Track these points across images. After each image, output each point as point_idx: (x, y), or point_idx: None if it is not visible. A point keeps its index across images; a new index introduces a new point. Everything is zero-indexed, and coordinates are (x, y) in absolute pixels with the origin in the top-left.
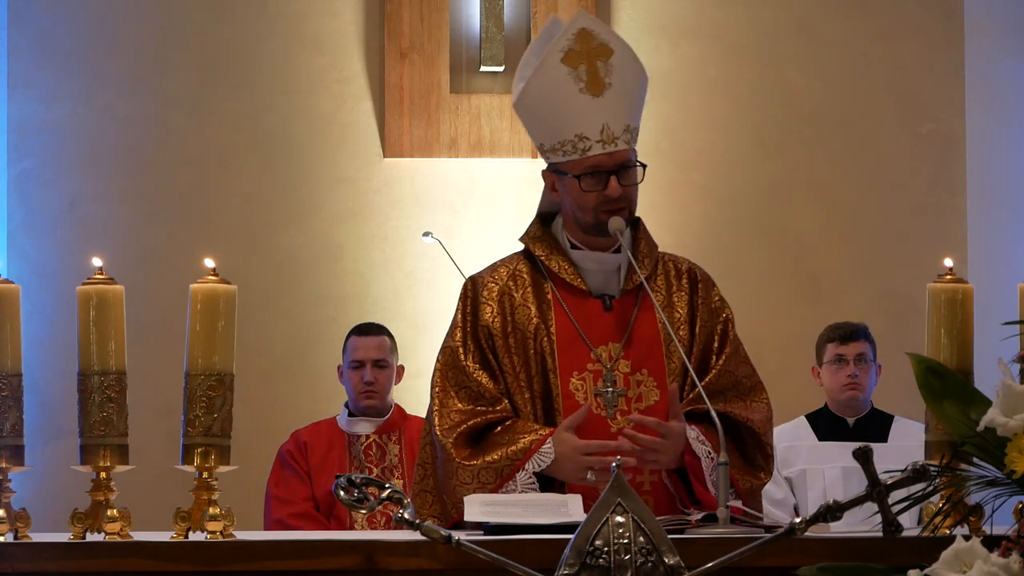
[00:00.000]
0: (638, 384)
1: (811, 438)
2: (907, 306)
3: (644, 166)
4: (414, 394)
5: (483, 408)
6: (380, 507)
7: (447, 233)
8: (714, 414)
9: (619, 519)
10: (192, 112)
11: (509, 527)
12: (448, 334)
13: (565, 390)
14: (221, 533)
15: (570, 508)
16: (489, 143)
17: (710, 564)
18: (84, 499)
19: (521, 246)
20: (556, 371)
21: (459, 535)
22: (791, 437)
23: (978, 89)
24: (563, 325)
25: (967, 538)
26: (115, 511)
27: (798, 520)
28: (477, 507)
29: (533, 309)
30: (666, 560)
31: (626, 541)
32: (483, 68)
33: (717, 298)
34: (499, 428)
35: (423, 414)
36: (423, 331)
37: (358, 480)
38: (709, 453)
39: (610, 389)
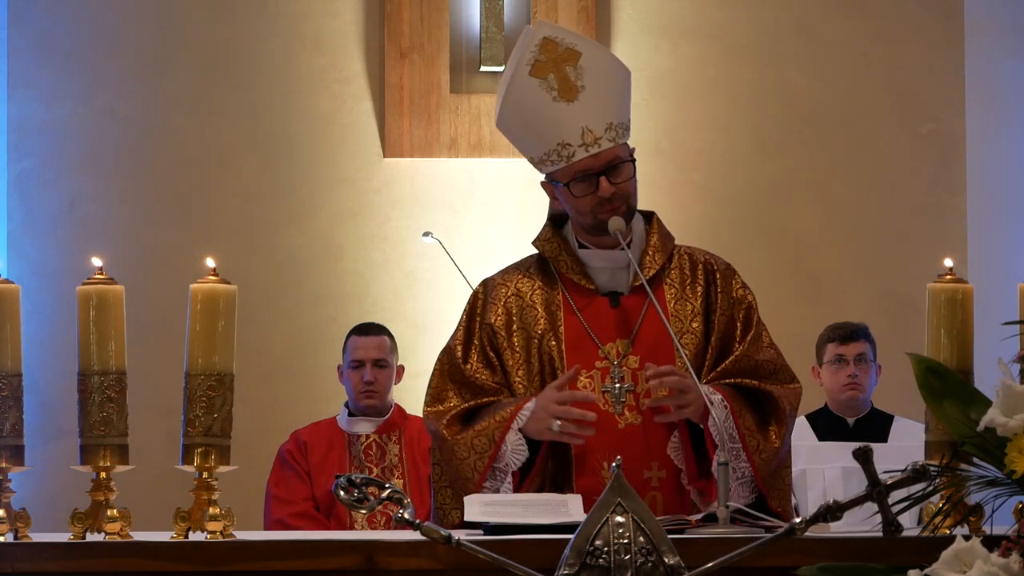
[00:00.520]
0: (646, 379)
1: (811, 438)
2: (907, 306)
3: (633, 160)
4: (414, 394)
5: (477, 399)
6: (380, 507)
7: (447, 233)
8: (714, 413)
9: (619, 519)
10: (192, 112)
11: (509, 527)
12: (452, 334)
13: (572, 388)
14: (221, 533)
15: (570, 508)
16: (489, 143)
17: (710, 564)
18: (84, 499)
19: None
20: (564, 370)
21: (459, 535)
22: (791, 437)
23: (978, 89)
24: (572, 325)
25: (967, 538)
26: (115, 511)
27: (798, 520)
28: (477, 507)
29: (541, 311)
30: (666, 560)
31: (626, 541)
32: (483, 68)
33: (739, 286)
34: (487, 407)
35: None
36: (423, 331)
37: (358, 480)
38: (722, 400)
39: (618, 385)
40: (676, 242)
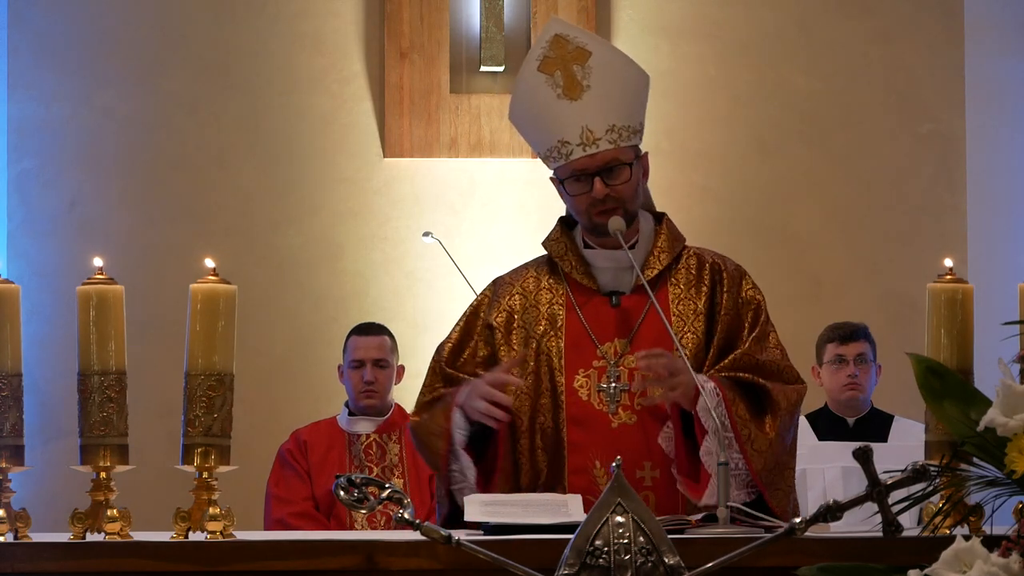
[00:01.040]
0: (643, 378)
1: (811, 438)
2: (907, 306)
3: (629, 164)
4: (414, 394)
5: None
6: (380, 507)
7: (447, 233)
8: (713, 411)
9: (619, 519)
10: (192, 112)
11: (509, 527)
12: (449, 332)
13: (569, 387)
14: (221, 533)
15: (570, 508)
16: (489, 143)
17: (710, 564)
18: (84, 499)
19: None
20: (562, 369)
21: (459, 535)
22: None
23: (978, 89)
24: (572, 324)
25: (967, 538)
26: (115, 511)
27: (798, 520)
28: (477, 507)
29: (544, 310)
30: (666, 560)
31: (626, 541)
32: (483, 68)
33: (748, 287)
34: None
35: None
36: (423, 331)
37: (358, 480)
38: (714, 389)
39: (613, 385)
40: (686, 243)
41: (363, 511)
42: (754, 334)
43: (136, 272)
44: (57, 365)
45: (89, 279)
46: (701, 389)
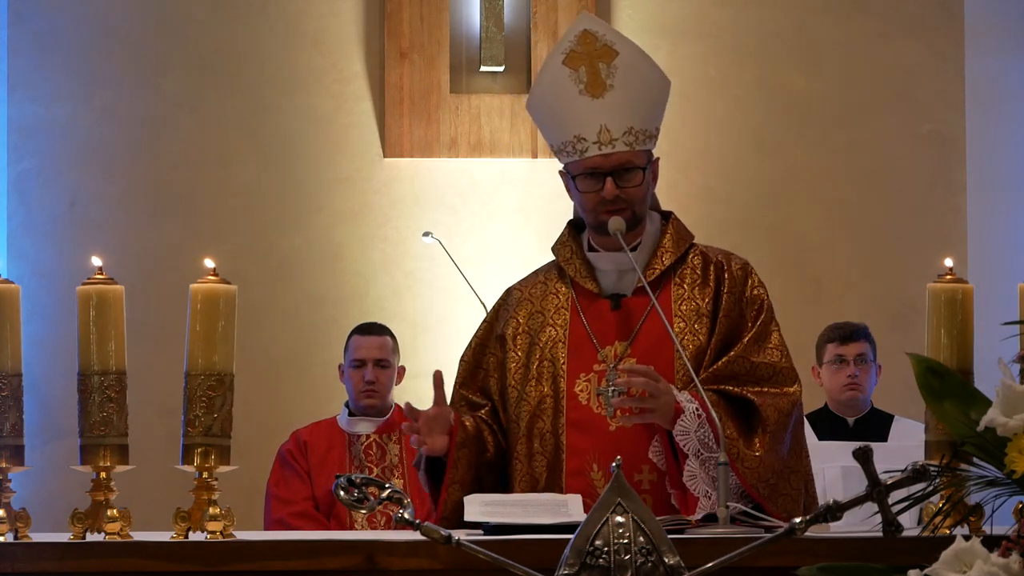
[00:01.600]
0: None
1: (811, 438)
2: (907, 306)
3: (643, 169)
4: (414, 394)
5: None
6: (380, 507)
7: (447, 233)
8: (705, 396)
9: (619, 519)
10: (192, 112)
11: (509, 527)
12: (468, 342)
13: (570, 391)
14: (221, 533)
15: (570, 508)
16: (489, 143)
17: (710, 564)
18: (84, 499)
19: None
20: (564, 375)
21: (459, 535)
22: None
23: (978, 89)
24: (576, 328)
25: (967, 538)
26: (115, 511)
27: (798, 520)
28: (477, 507)
29: (549, 315)
30: (666, 560)
31: (626, 541)
32: (483, 68)
33: (754, 286)
34: None
35: None
36: (423, 331)
37: (358, 480)
38: (696, 410)
39: (611, 388)
40: (694, 241)
41: (363, 511)
42: (752, 335)
43: (136, 272)
44: (57, 365)
45: (89, 279)
46: (682, 412)
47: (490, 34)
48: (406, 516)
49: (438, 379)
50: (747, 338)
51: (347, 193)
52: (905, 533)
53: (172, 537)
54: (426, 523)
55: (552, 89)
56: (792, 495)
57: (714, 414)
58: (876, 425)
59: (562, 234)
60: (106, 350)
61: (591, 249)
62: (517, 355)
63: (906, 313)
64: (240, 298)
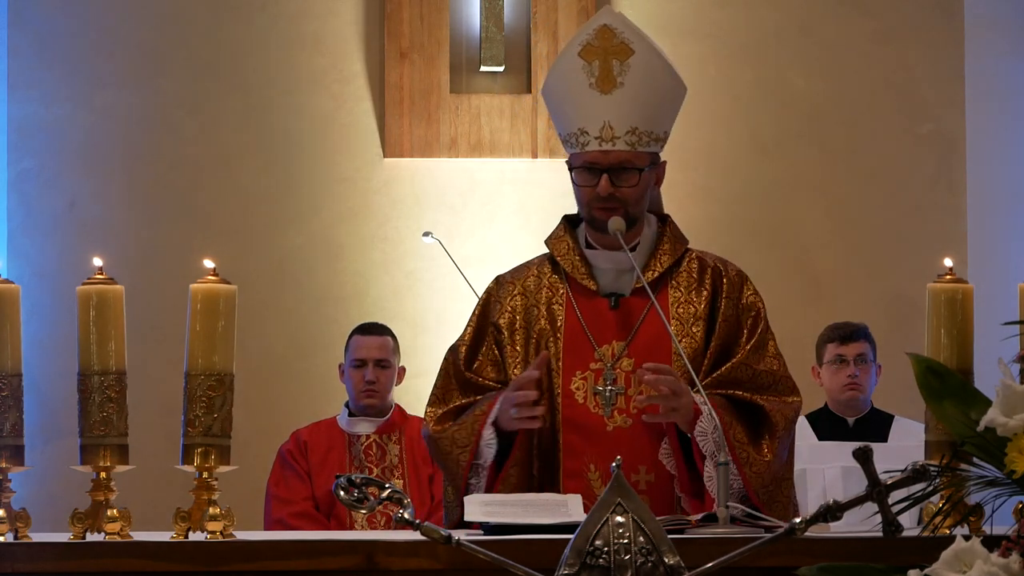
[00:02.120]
0: (638, 382)
1: (811, 438)
2: (907, 306)
3: (641, 170)
4: (414, 394)
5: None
6: (380, 507)
7: (447, 233)
8: (709, 405)
9: (619, 519)
10: (192, 112)
11: (509, 527)
12: (461, 332)
13: (566, 389)
14: (221, 533)
15: (570, 508)
16: (489, 143)
17: (710, 564)
18: (84, 499)
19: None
20: (559, 371)
21: (459, 535)
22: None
23: (978, 89)
24: (571, 325)
25: (967, 538)
26: (115, 511)
27: (798, 520)
28: (477, 507)
29: (544, 309)
30: (666, 560)
31: (626, 541)
32: (483, 68)
33: (749, 294)
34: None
35: (423, 414)
36: (423, 331)
37: (358, 480)
38: (711, 412)
39: (609, 388)
40: (689, 245)
41: (363, 511)
42: (752, 342)
43: (136, 272)
44: (57, 365)
45: (89, 279)
46: (700, 413)
47: (490, 34)
48: (406, 516)
49: (544, 360)
50: (748, 345)
51: (347, 193)
52: (905, 533)
53: (172, 537)
54: (426, 523)
55: (564, 79)
56: (784, 503)
57: (714, 414)
58: (876, 425)
59: (557, 228)
60: (106, 350)
61: (588, 246)
62: (516, 350)
63: (906, 313)
64: (240, 298)
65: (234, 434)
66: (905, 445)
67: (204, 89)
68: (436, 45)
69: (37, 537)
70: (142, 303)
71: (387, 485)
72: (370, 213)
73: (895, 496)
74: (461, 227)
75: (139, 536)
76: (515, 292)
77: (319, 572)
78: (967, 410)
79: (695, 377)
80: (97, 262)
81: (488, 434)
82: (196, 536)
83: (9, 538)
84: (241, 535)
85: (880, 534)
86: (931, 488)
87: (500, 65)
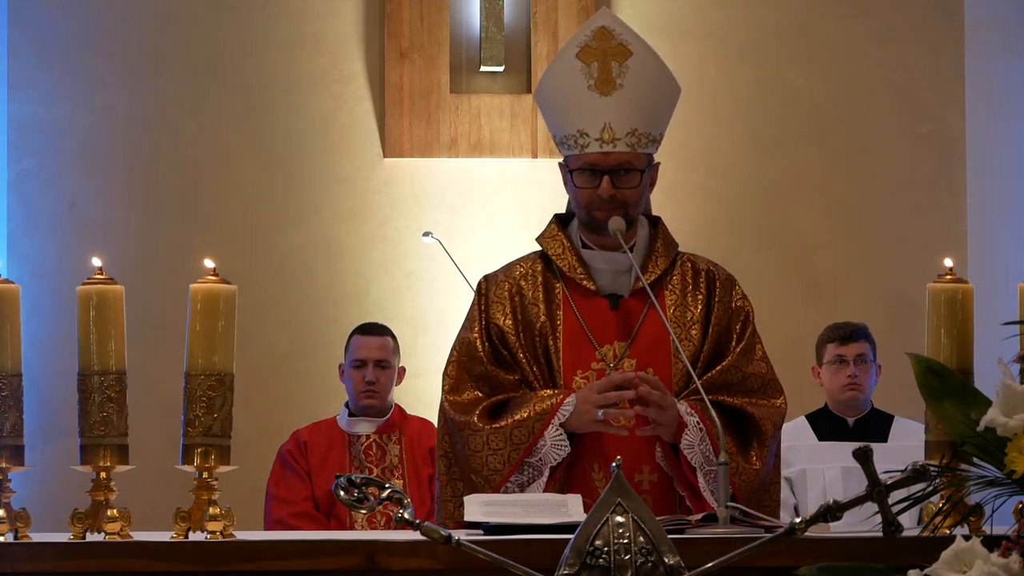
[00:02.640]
0: (636, 385)
1: (811, 438)
2: (907, 306)
3: (643, 171)
4: (414, 394)
5: (500, 393)
6: (380, 507)
7: (447, 233)
8: (709, 405)
9: (619, 519)
10: (192, 112)
11: (509, 527)
12: (464, 327)
13: (567, 387)
14: (221, 533)
15: (570, 508)
16: (489, 143)
17: (710, 564)
18: (84, 499)
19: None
20: (560, 370)
21: (459, 535)
22: (791, 437)
23: (978, 89)
24: (570, 324)
25: (967, 538)
26: (115, 511)
27: (798, 520)
28: (477, 507)
29: (542, 308)
30: (666, 560)
31: (626, 541)
32: (483, 68)
33: (738, 297)
34: (516, 398)
35: (423, 414)
36: (423, 331)
37: (358, 480)
38: (698, 423)
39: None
40: (679, 248)
41: (363, 511)
42: (741, 345)
43: (136, 272)
44: (57, 365)
45: (89, 279)
46: (686, 426)
47: (490, 34)
48: (406, 516)
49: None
50: (738, 349)
51: (347, 193)
52: (905, 533)
53: (172, 537)
54: (426, 523)
55: (562, 80)
56: (772, 506)
57: (714, 415)
58: (876, 425)
59: (549, 227)
60: (106, 350)
61: (584, 246)
62: (527, 351)
63: (906, 313)
64: (240, 298)
65: (234, 434)
66: (905, 445)
67: (204, 89)
68: (436, 45)
69: (37, 537)
70: (142, 303)
71: (387, 485)
72: (370, 213)
73: (895, 496)
74: (461, 227)
75: (139, 536)
76: (511, 291)
77: (319, 572)
78: (967, 410)
79: (696, 378)
80: (97, 262)
81: (555, 434)
82: (196, 536)
83: (9, 538)
84: (241, 535)
85: (880, 534)
86: (931, 488)
87: (500, 65)
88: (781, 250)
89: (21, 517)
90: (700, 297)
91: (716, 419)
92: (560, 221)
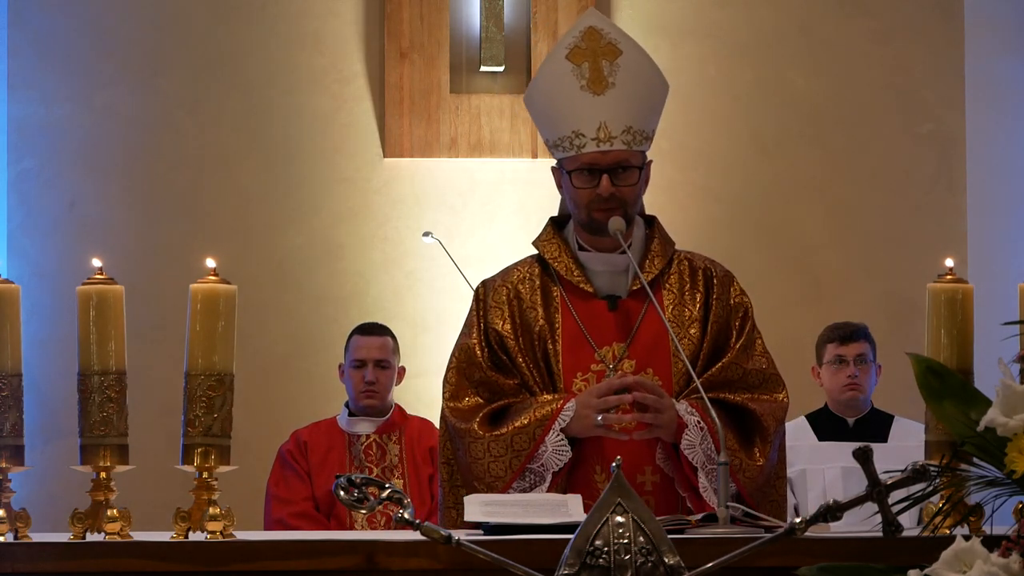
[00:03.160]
0: (631, 389)
1: (811, 438)
2: (907, 306)
3: (640, 168)
4: (414, 394)
5: (500, 398)
6: (380, 507)
7: (447, 233)
8: (709, 405)
9: (619, 519)
10: (192, 112)
11: (509, 527)
12: (463, 333)
13: (568, 390)
14: (221, 533)
15: (570, 508)
16: (489, 143)
17: (710, 564)
18: (84, 499)
19: (535, 250)
20: (560, 373)
21: (459, 535)
22: (791, 437)
23: (978, 89)
24: (569, 327)
25: (967, 538)
26: (115, 511)
27: (798, 520)
28: (477, 507)
29: (540, 311)
30: (666, 560)
31: (626, 541)
32: (483, 68)
33: (737, 293)
34: (516, 404)
35: (423, 414)
36: (423, 331)
37: (358, 480)
38: (698, 422)
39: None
40: (676, 247)
41: (363, 511)
42: (741, 341)
43: (136, 272)
44: (57, 365)
45: (89, 279)
46: (686, 426)
47: (490, 34)
48: (406, 516)
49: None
50: (737, 345)
51: (347, 193)
52: (905, 533)
53: (172, 537)
54: (426, 523)
55: (553, 83)
56: (779, 500)
57: (714, 415)
58: (876, 425)
59: (545, 230)
60: (106, 350)
61: (581, 248)
62: (527, 356)
63: (906, 313)
64: (240, 298)
65: (234, 434)
66: (905, 445)
67: (204, 89)
68: (436, 45)
69: (37, 537)
70: (142, 303)
71: (387, 485)
72: (370, 213)
73: (895, 496)
74: (461, 227)
75: (139, 536)
76: (509, 296)
77: (319, 572)
78: (967, 410)
79: (695, 377)
80: (97, 262)
81: (556, 439)
82: (196, 536)
83: (9, 538)
84: (241, 535)
85: (880, 534)
86: (931, 488)
87: (500, 65)
88: (781, 250)
89: (21, 517)
90: (698, 295)
91: (716, 418)
92: (555, 224)
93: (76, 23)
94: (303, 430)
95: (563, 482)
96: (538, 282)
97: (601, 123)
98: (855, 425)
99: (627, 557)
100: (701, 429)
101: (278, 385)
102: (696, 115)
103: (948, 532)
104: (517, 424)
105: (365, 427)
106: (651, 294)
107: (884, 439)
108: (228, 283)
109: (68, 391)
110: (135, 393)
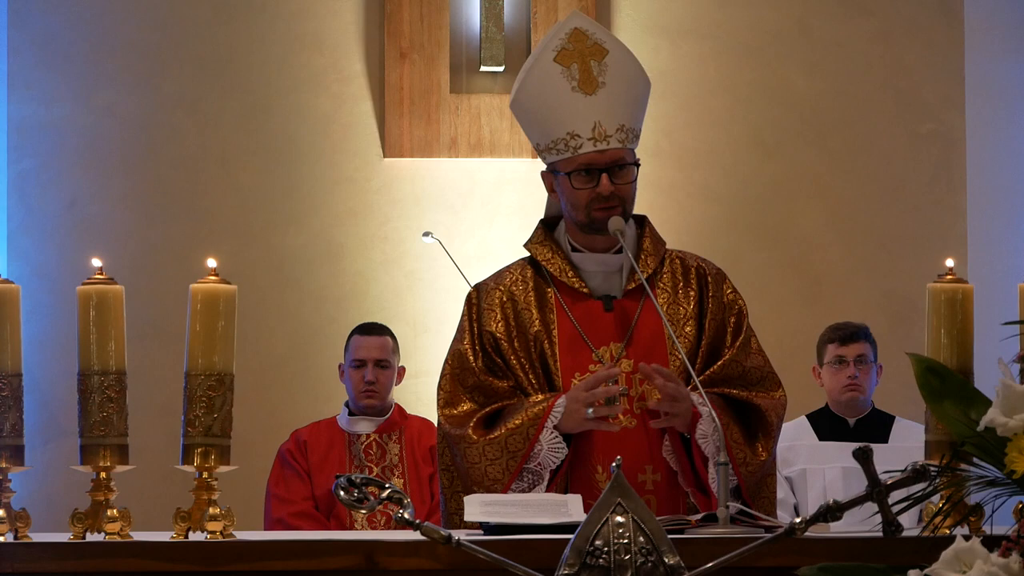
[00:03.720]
0: (640, 383)
1: (811, 438)
2: (907, 306)
3: (638, 164)
4: (414, 394)
5: (495, 402)
6: (380, 507)
7: (447, 233)
8: (708, 403)
9: (619, 519)
10: (192, 112)
11: (509, 527)
12: (455, 339)
13: (566, 391)
14: (221, 533)
15: (570, 508)
16: (489, 143)
17: (710, 564)
18: (84, 499)
19: (526, 252)
20: (558, 373)
21: (459, 535)
22: (791, 437)
23: (978, 89)
24: (565, 327)
25: (967, 538)
26: (115, 511)
27: (798, 520)
28: (477, 507)
29: (535, 313)
30: (666, 560)
31: (626, 541)
32: (483, 68)
33: (729, 291)
34: (510, 406)
35: (423, 414)
36: (423, 331)
37: (358, 480)
38: (710, 413)
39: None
40: (668, 246)
41: (363, 511)
42: (739, 340)
43: (136, 272)
44: (57, 365)
45: (89, 279)
46: (700, 416)
47: (490, 34)
48: (406, 516)
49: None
50: (737, 343)
51: (347, 193)
52: (905, 533)
53: (172, 537)
54: (426, 523)
55: (543, 86)
56: (770, 497)
57: (714, 414)
58: (877, 426)
59: (536, 233)
60: (106, 350)
61: (574, 249)
62: (522, 358)
63: (906, 313)
64: (240, 298)
65: (234, 434)
66: (906, 446)
67: (204, 89)
68: (436, 45)
69: (37, 537)
70: (142, 303)
71: (387, 485)
72: (370, 213)
73: (895, 496)
74: (461, 227)
75: (139, 536)
76: (503, 299)
77: (319, 572)
78: (967, 410)
79: (694, 375)
80: (97, 262)
81: (550, 437)
82: (196, 536)
83: (9, 538)
84: (241, 535)
85: (880, 534)
86: (931, 488)
87: (500, 65)
88: (781, 250)
89: (21, 517)
90: (692, 293)
91: (716, 418)
92: (545, 226)
93: (76, 23)
94: (303, 430)
95: (563, 481)
96: (531, 284)
97: (596, 123)
98: (856, 425)
99: (627, 557)
100: (714, 421)
101: (278, 385)
102: (696, 115)
103: (948, 532)
104: (510, 426)
105: (365, 427)
106: (650, 292)
107: (885, 439)
108: (228, 283)
109: (68, 391)
110: (135, 393)
